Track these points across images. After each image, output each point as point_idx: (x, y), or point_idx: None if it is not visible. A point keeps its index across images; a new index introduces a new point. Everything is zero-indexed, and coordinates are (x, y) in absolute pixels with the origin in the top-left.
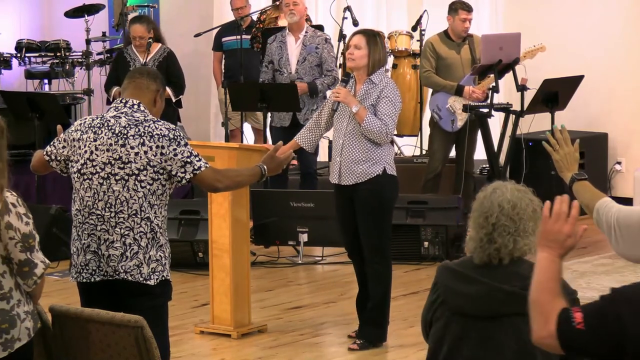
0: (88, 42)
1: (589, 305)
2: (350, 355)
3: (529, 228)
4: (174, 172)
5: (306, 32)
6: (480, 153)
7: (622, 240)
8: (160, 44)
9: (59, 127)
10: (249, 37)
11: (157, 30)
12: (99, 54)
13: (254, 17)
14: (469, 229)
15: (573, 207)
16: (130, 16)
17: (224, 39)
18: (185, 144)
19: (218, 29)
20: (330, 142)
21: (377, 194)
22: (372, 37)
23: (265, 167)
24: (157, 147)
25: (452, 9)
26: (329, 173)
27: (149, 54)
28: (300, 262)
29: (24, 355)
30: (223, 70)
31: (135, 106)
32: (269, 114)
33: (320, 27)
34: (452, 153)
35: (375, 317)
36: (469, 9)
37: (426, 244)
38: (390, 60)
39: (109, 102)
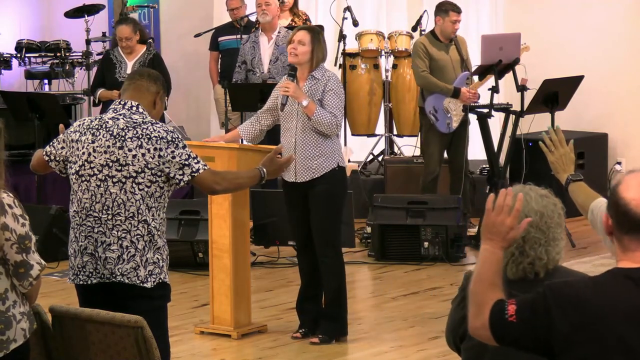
0: (88, 42)
1: (523, 298)
2: (350, 356)
3: (557, 235)
4: (172, 175)
5: (279, 32)
6: (480, 153)
7: None
8: (146, 46)
9: (61, 126)
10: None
11: (143, 32)
12: (99, 54)
13: (252, 18)
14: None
15: (517, 200)
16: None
17: (220, 39)
18: (184, 146)
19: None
20: None
21: (332, 190)
22: (317, 34)
23: (264, 170)
24: (155, 149)
25: (442, 10)
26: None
27: (135, 56)
28: None
29: (20, 357)
30: (219, 70)
31: (134, 108)
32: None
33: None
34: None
35: (332, 311)
36: (459, 10)
37: (426, 244)
38: (390, 60)
39: (95, 104)
